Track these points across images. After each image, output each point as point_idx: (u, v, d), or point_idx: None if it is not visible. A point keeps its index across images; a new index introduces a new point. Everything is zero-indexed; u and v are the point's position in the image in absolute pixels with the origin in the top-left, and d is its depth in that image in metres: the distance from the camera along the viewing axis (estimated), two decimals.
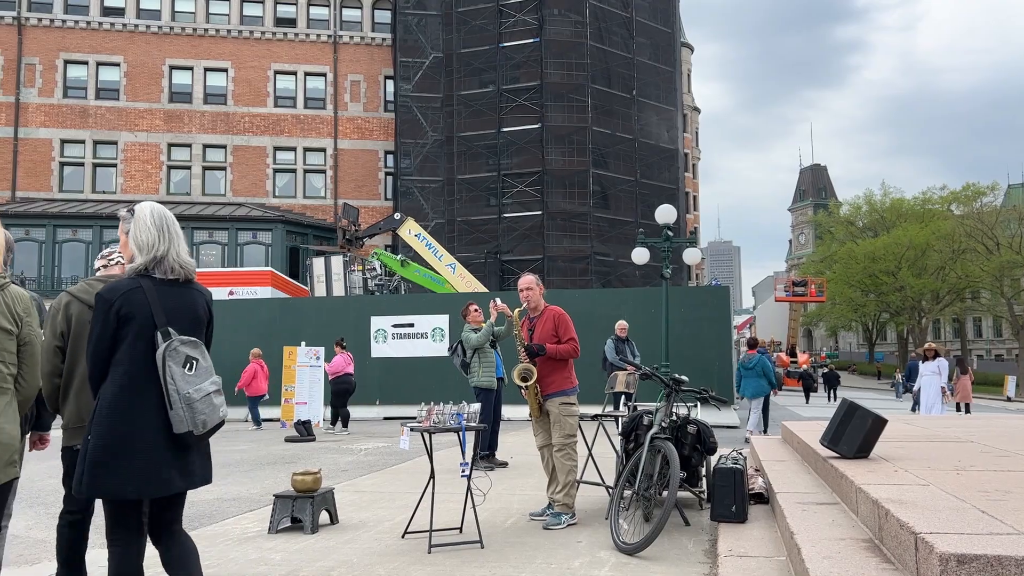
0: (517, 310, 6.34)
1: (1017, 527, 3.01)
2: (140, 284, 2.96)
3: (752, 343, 13.54)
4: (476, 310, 9.63)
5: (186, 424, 2.87)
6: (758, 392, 12.80)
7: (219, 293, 22.83)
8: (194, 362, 2.93)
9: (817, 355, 64.86)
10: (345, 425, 14.39)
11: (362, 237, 27.07)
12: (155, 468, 2.88)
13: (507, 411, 11.41)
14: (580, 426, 6.42)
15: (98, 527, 3.63)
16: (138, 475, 2.85)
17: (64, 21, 34.50)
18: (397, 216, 27.50)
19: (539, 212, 33.16)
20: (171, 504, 3.07)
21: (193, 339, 2.97)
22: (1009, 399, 39.04)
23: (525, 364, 5.94)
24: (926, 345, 15.30)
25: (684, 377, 6.12)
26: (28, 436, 3.80)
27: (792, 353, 52.50)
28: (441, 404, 5.49)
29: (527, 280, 6.24)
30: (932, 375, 14.87)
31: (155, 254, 3.00)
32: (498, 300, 8.28)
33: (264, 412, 17.16)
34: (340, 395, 14.29)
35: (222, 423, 3.01)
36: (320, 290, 24.97)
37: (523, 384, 5.93)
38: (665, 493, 5.21)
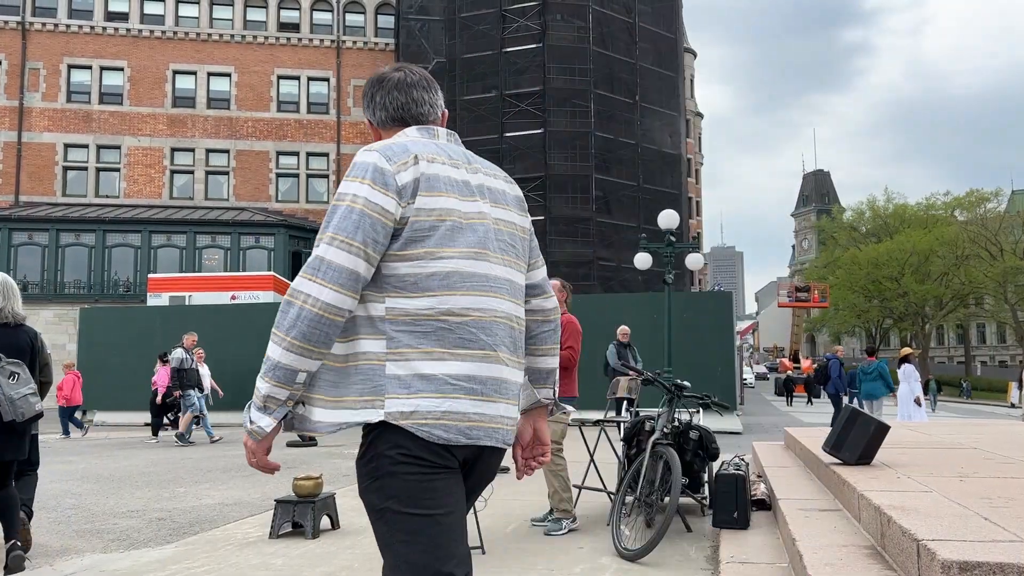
0: None
1: (1020, 534, 2.99)
2: None
3: (870, 351, 15.10)
4: None
5: (10, 415, 4.50)
6: (877, 393, 14.17)
7: (221, 297, 22.84)
8: (17, 375, 4.61)
9: (819, 360, 64.73)
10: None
11: None
12: None
13: None
14: (582, 433, 6.41)
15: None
16: None
17: (68, 26, 34.61)
18: None
19: (542, 217, 33.14)
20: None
21: (18, 361, 4.67)
22: (1013, 405, 38.95)
23: None
24: (904, 350, 15.15)
25: (686, 383, 6.11)
26: None
27: (795, 359, 52.42)
28: None
29: (551, 284, 6.30)
30: (903, 382, 14.53)
31: None
32: None
33: None
34: (170, 407, 15.15)
35: (40, 414, 4.68)
36: None
37: None
38: (667, 499, 5.20)
